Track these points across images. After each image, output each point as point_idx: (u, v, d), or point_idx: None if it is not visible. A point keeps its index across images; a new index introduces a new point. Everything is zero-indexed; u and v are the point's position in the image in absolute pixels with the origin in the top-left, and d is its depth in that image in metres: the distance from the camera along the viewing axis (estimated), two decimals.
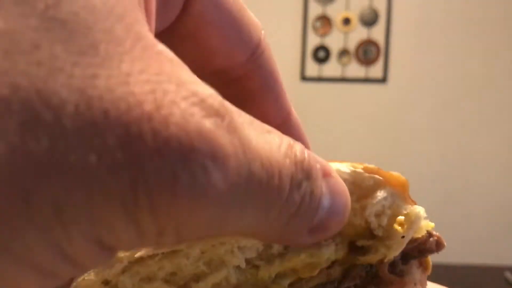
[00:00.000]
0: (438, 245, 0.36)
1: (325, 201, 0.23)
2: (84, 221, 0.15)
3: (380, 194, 0.29)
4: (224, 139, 0.17)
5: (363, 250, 0.31)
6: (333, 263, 0.33)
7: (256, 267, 0.30)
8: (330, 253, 0.30)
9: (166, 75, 0.16)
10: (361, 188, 0.30)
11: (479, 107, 2.84)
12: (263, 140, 0.20)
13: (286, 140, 0.21)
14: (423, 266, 0.37)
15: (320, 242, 0.30)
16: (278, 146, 0.20)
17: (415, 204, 0.31)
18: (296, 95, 2.92)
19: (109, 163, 0.14)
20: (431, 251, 0.36)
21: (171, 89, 0.16)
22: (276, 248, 0.30)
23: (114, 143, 0.14)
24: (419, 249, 0.36)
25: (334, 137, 2.87)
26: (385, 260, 0.31)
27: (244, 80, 0.28)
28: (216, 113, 0.17)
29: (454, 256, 2.59)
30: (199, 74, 0.20)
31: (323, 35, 2.89)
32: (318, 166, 0.22)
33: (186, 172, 0.16)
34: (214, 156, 0.16)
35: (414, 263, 0.37)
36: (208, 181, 0.16)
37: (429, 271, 0.38)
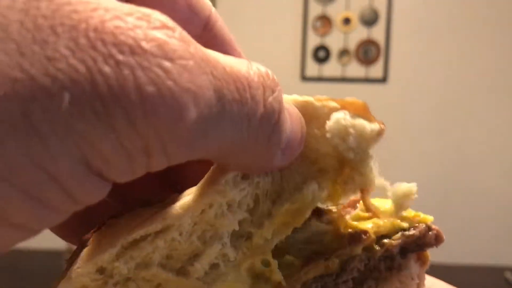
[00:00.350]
0: (437, 239, 0.36)
1: (288, 122, 0.25)
2: (61, 133, 0.15)
3: (337, 114, 0.29)
4: (177, 46, 0.17)
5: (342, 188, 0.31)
6: (331, 254, 0.33)
7: (249, 237, 0.29)
8: (312, 193, 0.29)
9: None
10: (317, 117, 0.29)
11: (479, 107, 2.84)
12: (221, 56, 0.20)
13: (245, 60, 0.22)
14: (421, 260, 0.37)
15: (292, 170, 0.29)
16: (239, 62, 0.21)
17: (382, 123, 0.30)
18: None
19: (71, 73, 0.15)
20: (430, 245, 0.36)
21: (113, 6, 0.16)
22: (263, 206, 0.29)
23: (67, 54, 0.15)
24: (418, 243, 0.35)
25: None
26: (367, 189, 0.31)
27: None
28: (165, 26, 0.17)
29: (454, 256, 2.58)
30: None
31: (323, 35, 2.89)
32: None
33: (146, 73, 0.16)
34: (170, 57, 0.17)
35: (412, 257, 0.36)
36: (171, 77, 0.16)
37: (428, 265, 0.38)
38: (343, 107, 0.29)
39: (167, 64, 0.16)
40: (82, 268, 0.28)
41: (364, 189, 0.30)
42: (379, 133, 0.30)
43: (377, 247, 0.34)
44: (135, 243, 0.28)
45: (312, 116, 0.29)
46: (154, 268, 0.28)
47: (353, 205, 0.36)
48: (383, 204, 0.38)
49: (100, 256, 0.28)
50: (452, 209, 2.78)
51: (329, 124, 0.29)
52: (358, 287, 0.35)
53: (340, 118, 0.29)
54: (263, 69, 0.23)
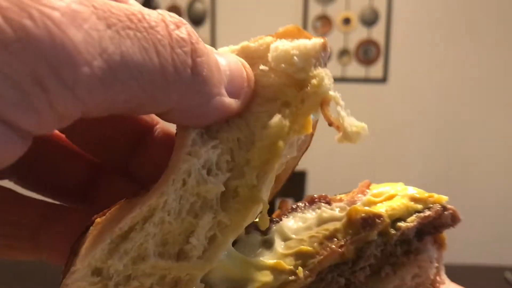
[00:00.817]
0: (454, 219, 0.35)
1: (222, 60, 0.25)
2: None
3: (274, 44, 0.29)
4: None
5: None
6: (345, 241, 0.32)
7: (236, 193, 0.29)
8: (276, 124, 0.29)
9: None
10: (259, 56, 0.29)
11: (479, 107, 2.84)
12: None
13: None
14: (438, 243, 0.36)
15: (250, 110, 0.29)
16: (131, 5, 0.22)
17: (322, 37, 0.31)
18: None
19: None
20: (447, 226, 0.35)
21: None
22: (238, 157, 0.29)
23: None
24: (434, 224, 0.35)
25: (333, 137, 2.86)
26: (325, 101, 0.30)
27: None
28: None
29: (454, 256, 2.58)
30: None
31: (323, 35, 2.89)
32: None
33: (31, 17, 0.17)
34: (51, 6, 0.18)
35: (429, 240, 0.35)
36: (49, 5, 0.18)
37: (445, 248, 0.36)
38: (279, 37, 0.29)
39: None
40: (77, 272, 0.27)
41: (323, 102, 0.30)
42: (323, 45, 0.31)
43: (392, 231, 0.34)
44: (125, 235, 0.27)
45: (254, 57, 0.29)
46: (152, 259, 0.28)
47: (363, 192, 0.36)
48: (392, 188, 0.37)
49: (92, 254, 0.27)
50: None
51: (271, 55, 0.29)
52: (376, 274, 0.34)
53: (278, 45, 0.29)
54: (166, 12, 0.24)
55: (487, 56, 2.80)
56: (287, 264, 0.31)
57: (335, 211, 0.34)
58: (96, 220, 0.30)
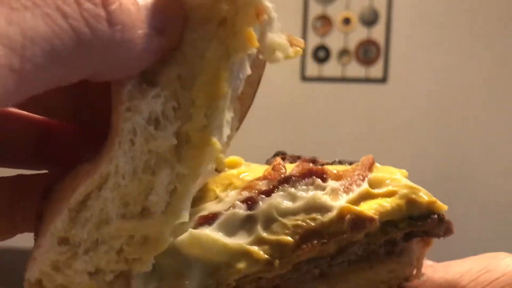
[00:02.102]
0: (446, 232, 0.34)
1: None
2: None
3: None
4: None
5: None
6: (329, 238, 0.31)
7: (188, 138, 0.27)
8: (214, 52, 0.26)
9: None
10: None
11: (479, 107, 2.84)
12: None
13: None
14: (424, 241, 0.35)
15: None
16: None
17: None
18: (296, 95, 2.91)
19: None
20: (437, 236, 0.34)
21: None
22: (182, 98, 0.26)
23: None
24: (426, 231, 0.34)
25: (334, 137, 2.87)
26: (260, 12, 0.27)
27: None
28: None
29: (454, 256, 2.58)
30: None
31: (323, 35, 2.89)
32: None
33: None
34: None
35: (415, 240, 0.35)
36: None
37: (430, 246, 0.36)
38: None
39: None
40: (42, 246, 0.27)
41: (258, 12, 0.27)
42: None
43: (380, 234, 0.33)
44: (83, 204, 0.27)
45: None
46: (115, 222, 0.27)
47: (363, 176, 0.35)
48: (392, 172, 0.36)
49: (53, 225, 0.27)
50: (452, 208, 2.77)
51: None
52: (352, 267, 0.33)
53: None
54: None
55: (488, 56, 2.80)
56: (265, 252, 0.30)
57: (328, 196, 0.33)
58: (52, 187, 0.29)
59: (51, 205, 0.28)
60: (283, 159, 0.38)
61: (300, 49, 0.29)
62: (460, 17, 2.80)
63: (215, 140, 0.27)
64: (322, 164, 0.38)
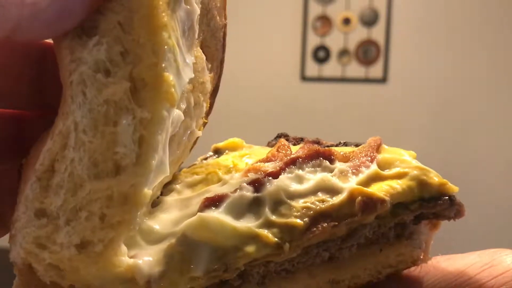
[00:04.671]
0: (457, 214, 0.33)
1: None
2: None
3: None
4: None
5: None
6: (340, 220, 0.30)
7: (141, 78, 0.26)
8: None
9: None
10: None
11: (479, 107, 2.84)
12: None
13: None
14: (432, 223, 0.35)
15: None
16: None
17: None
18: (296, 95, 2.91)
19: None
20: (448, 218, 0.34)
21: None
22: (127, 39, 0.25)
23: None
24: (435, 213, 0.33)
25: (334, 137, 2.86)
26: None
27: None
28: None
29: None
30: None
31: (323, 35, 2.89)
32: None
33: None
34: None
35: (424, 222, 0.34)
36: None
37: (438, 228, 0.35)
38: None
39: None
40: (18, 220, 0.26)
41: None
42: None
43: (390, 216, 0.32)
44: (50, 169, 0.26)
45: None
46: (88, 184, 0.26)
47: (372, 156, 0.34)
48: (400, 153, 0.35)
49: (24, 196, 0.25)
50: None
51: None
52: (362, 251, 0.33)
53: None
54: None
55: (487, 56, 2.80)
56: (274, 235, 0.30)
57: (336, 177, 0.32)
58: (23, 161, 0.28)
59: (22, 178, 0.27)
60: (286, 141, 0.37)
61: None
62: (460, 17, 2.80)
63: (167, 75, 0.26)
64: (327, 146, 0.36)
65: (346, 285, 0.33)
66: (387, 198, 0.31)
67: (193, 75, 0.29)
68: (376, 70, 2.87)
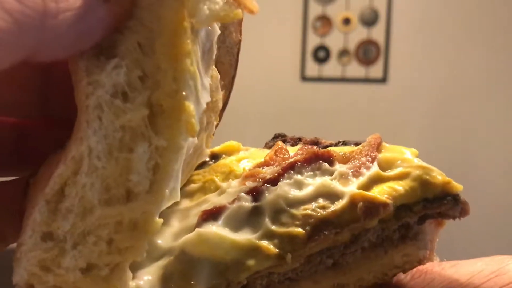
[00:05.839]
0: (462, 213, 0.33)
1: None
2: None
3: None
4: None
5: None
6: (342, 227, 0.29)
7: (161, 108, 0.25)
8: (170, 6, 0.24)
9: None
10: None
11: (479, 107, 2.84)
12: None
13: None
14: (437, 221, 0.34)
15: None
16: None
17: None
18: (296, 95, 2.91)
19: None
20: (453, 217, 0.33)
21: None
22: (146, 65, 0.25)
23: None
24: (441, 213, 0.32)
25: (334, 137, 2.86)
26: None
27: None
28: None
29: (454, 256, 2.58)
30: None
31: (323, 35, 2.89)
32: None
33: None
34: None
35: (428, 221, 0.33)
36: None
37: (443, 226, 0.34)
38: None
39: None
40: (24, 244, 0.25)
41: None
42: None
43: (394, 220, 0.31)
44: (60, 193, 0.25)
45: None
46: (98, 209, 0.25)
47: (372, 156, 0.33)
48: (401, 152, 0.34)
49: (32, 219, 0.25)
50: None
51: None
52: (366, 254, 0.32)
53: None
54: None
55: (487, 56, 2.80)
56: (276, 246, 0.29)
57: (337, 181, 0.31)
58: (29, 181, 0.28)
59: (28, 201, 0.27)
60: (284, 141, 0.36)
61: (238, 13, 0.26)
62: (460, 17, 2.80)
63: (188, 104, 0.25)
64: (326, 146, 0.36)
65: None
66: (389, 202, 0.30)
67: (209, 99, 0.28)
68: (376, 70, 2.87)
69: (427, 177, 0.32)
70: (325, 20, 2.88)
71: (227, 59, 0.33)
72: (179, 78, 0.25)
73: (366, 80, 2.88)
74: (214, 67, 0.31)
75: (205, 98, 0.27)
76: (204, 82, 0.27)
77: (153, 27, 0.24)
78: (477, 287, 0.32)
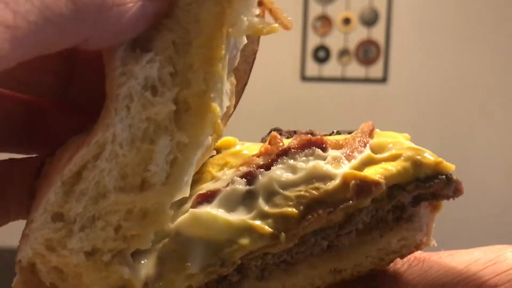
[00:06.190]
0: (456, 192, 0.32)
1: None
2: None
3: None
4: None
5: None
6: (335, 206, 0.30)
7: (188, 105, 0.26)
8: (208, 12, 0.25)
9: None
10: None
11: (479, 107, 2.84)
12: None
13: None
14: (432, 205, 0.34)
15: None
16: None
17: None
18: (296, 95, 2.91)
19: None
20: (447, 197, 0.33)
21: None
22: (179, 64, 0.25)
23: None
24: (434, 193, 0.32)
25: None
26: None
27: None
28: None
29: None
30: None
31: (323, 35, 2.89)
32: None
33: None
34: None
35: (424, 204, 0.33)
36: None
37: (439, 210, 0.34)
38: None
39: None
40: (35, 221, 0.25)
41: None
42: None
43: (387, 199, 0.31)
44: (78, 175, 0.25)
45: None
46: (113, 195, 0.26)
47: (364, 142, 0.33)
48: (393, 136, 0.34)
49: (46, 199, 0.25)
50: (452, 208, 2.77)
51: None
52: (361, 237, 0.32)
53: None
54: None
55: (487, 56, 2.80)
56: (269, 226, 0.29)
57: (329, 164, 0.31)
58: (46, 160, 0.28)
59: (43, 180, 0.27)
60: (279, 135, 0.37)
61: (275, 28, 0.28)
62: (460, 17, 2.80)
63: (215, 105, 0.26)
64: (321, 136, 0.36)
65: (349, 273, 0.33)
66: (381, 180, 0.30)
67: (228, 103, 0.29)
68: (376, 70, 2.87)
69: (419, 157, 0.32)
70: (325, 20, 2.88)
71: (243, 67, 0.34)
72: (209, 80, 0.26)
73: (366, 80, 2.88)
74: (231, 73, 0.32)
75: (225, 102, 0.28)
76: (226, 87, 0.28)
77: (190, 28, 0.25)
78: (474, 274, 0.32)
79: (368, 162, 0.32)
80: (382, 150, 0.33)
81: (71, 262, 0.26)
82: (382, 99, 2.87)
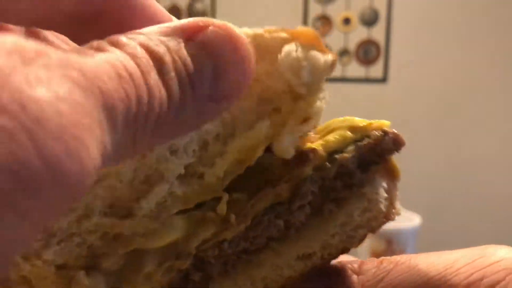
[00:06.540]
0: (396, 143, 0.33)
1: (203, 60, 0.21)
2: None
3: (288, 47, 0.26)
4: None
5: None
6: (279, 180, 0.30)
7: (201, 176, 0.27)
8: (265, 130, 0.27)
9: None
10: (268, 50, 0.26)
11: (479, 107, 2.84)
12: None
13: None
14: (389, 173, 0.34)
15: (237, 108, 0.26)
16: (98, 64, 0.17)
17: (334, 54, 0.29)
18: None
19: None
20: (390, 151, 0.33)
21: None
22: (213, 147, 0.27)
23: None
24: (376, 152, 0.32)
25: None
26: (309, 118, 0.29)
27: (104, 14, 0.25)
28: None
29: None
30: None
31: (323, 35, 2.89)
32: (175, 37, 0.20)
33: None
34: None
35: (377, 172, 0.33)
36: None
37: (399, 178, 0.34)
38: (294, 37, 0.26)
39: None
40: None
41: (307, 118, 0.29)
42: (332, 65, 0.29)
43: (328, 164, 0.31)
44: None
45: (263, 49, 0.26)
46: (96, 218, 0.26)
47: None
48: (333, 122, 0.35)
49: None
50: (452, 208, 2.78)
51: (281, 58, 0.26)
52: (318, 213, 0.31)
53: (291, 50, 0.26)
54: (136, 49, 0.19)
55: (488, 56, 2.80)
56: (219, 210, 0.29)
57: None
58: None
59: None
60: None
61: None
62: (460, 17, 2.80)
63: (221, 192, 0.28)
64: None
65: (319, 257, 0.31)
66: (317, 146, 0.31)
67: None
68: (376, 70, 2.87)
69: (353, 123, 0.33)
70: (325, 20, 2.88)
71: None
72: (229, 174, 0.28)
73: (366, 80, 2.88)
74: None
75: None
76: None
77: (239, 127, 0.27)
78: (463, 266, 0.31)
79: (305, 142, 0.32)
80: (323, 131, 0.34)
81: (42, 274, 0.27)
82: (382, 99, 2.87)
